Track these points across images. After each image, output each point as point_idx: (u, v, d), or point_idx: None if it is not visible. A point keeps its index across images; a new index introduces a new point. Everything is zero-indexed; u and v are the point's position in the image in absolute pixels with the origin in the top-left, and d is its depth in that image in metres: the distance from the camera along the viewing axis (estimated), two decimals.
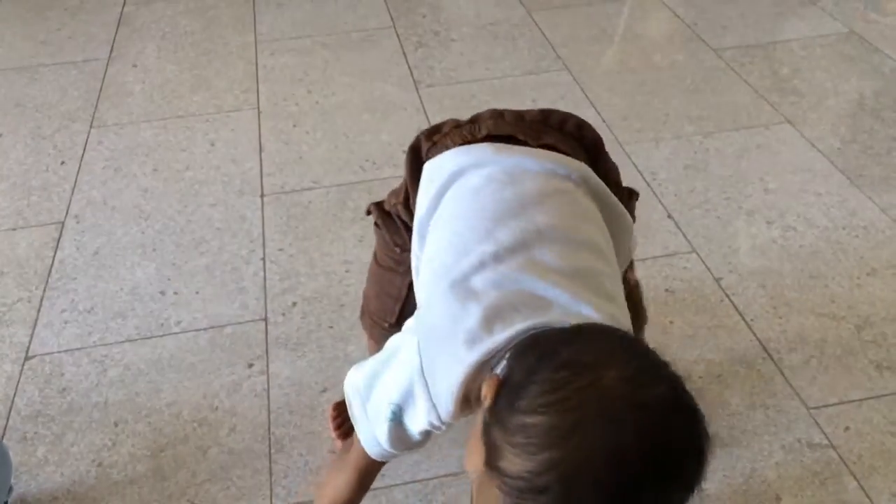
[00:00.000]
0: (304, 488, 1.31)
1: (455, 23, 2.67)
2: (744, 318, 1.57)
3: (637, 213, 1.13)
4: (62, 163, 2.07)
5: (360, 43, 2.56)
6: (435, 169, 1.00)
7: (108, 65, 2.49)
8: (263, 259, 1.75)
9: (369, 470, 1.00)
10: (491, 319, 0.81)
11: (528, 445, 0.67)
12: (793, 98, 2.22)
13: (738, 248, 1.74)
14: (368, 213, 1.16)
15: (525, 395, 0.69)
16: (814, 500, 1.27)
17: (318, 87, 2.34)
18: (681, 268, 1.69)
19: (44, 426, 1.43)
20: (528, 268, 0.85)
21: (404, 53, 2.49)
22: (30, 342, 1.59)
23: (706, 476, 0.69)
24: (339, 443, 1.33)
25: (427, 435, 0.90)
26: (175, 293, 1.68)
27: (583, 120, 1.07)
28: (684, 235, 1.77)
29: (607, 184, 1.01)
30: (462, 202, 0.95)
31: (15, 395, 1.49)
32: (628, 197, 1.09)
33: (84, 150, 2.12)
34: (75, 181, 2.01)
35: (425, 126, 2.14)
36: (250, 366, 1.52)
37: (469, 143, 1.01)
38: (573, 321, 0.78)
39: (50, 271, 1.74)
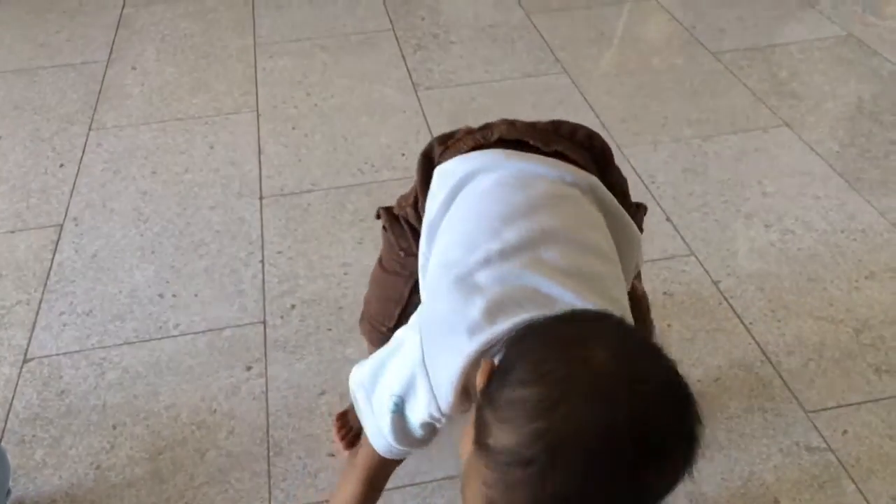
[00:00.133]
0: (304, 493, 1.31)
1: (454, 25, 2.67)
2: (742, 322, 1.57)
3: (646, 205, 1.15)
4: (61, 165, 2.07)
5: (358, 45, 2.56)
6: (446, 172, 1.01)
7: (107, 67, 2.49)
8: (262, 261, 1.75)
9: (379, 469, 1.00)
10: (493, 312, 0.81)
11: (516, 418, 0.66)
12: (791, 101, 2.22)
13: (736, 251, 1.74)
14: (378, 216, 1.17)
15: (515, 371, 0.70)
16: (812, 503, 1.27)
17: (317, 89, 2.34)
18: (679, 271, 1.69)
19: (42, 429, 1.43)
20: (533, 266, 0.86)
21: (403, 56, 2.49)
22: (28, 345, 1.59)
23: (695, 463, 0.68)
24: (345, 453, 1.33)
25: (429, 429, 0.90)
26: (174, 296, 1.68)
27: (593, 130, 1.09)
28: (682, 238, 1.77)
29: (615, 194, 1.02)
30: (472, 204, 0.97)
31: (13, 397, 1.48)
32: (636, 209, 1.10)
33: (83, 152, 2.12)
34: (74, 183, 2.01)
35: (424, 128, 2.17)
36: (249, 368, 1.52)
37: (481, 147, 1.02)
38: None
39: (48, 274, 1.74)
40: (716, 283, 1.66)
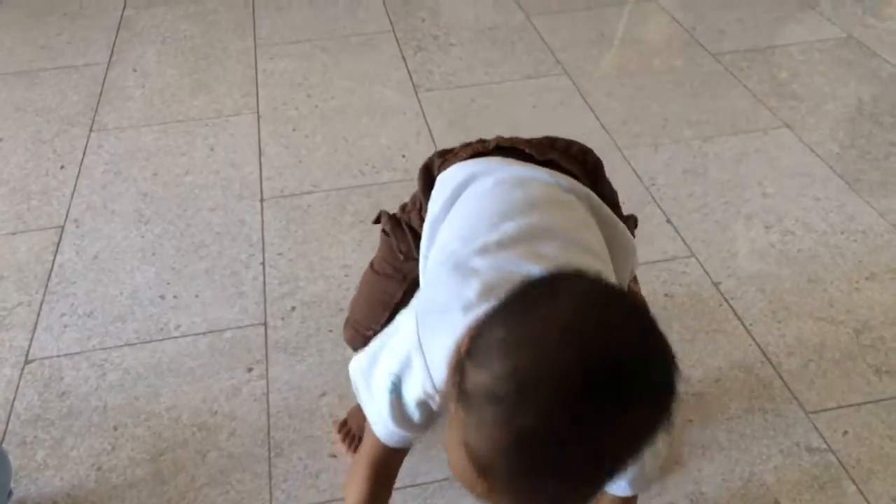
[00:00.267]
0: (305, 494, 1.31)
1: (454, 27, 2.67)
2: (742, 323, 1.57)
3: (636, 216, 1.16)
4: (62, 167, 2.08)
5: (359, 47, 2.56)
6: (447, 177, 1.05)
7: (107, 69, 2.49)
8: (263, 263, 1.75)
9: (384, 461, 1.00)
10: (488, 292, 0.83)
11: (490, 359, 0.68)
12: (791, 102, 2.22)
13: (736, 252, 1.74)
14: (377, 221, 1.20)
15: (493, 319, 0.72)
16: None
17: (318, 91, 2.35)
18: (679, 272, 1.69)
19: (43, 430, 1.43)
20: (529, 256, 0.88)
21: (403, 57, 2.49)
22: (29, 346, 1.59)
23: (671, 416, 0.68)
24: (350, 456, 1.34)
25: (426, 411, 0.91)
26: (175, 297, 1.68)
27: (586, 146, 1.13)
28: (683, 240, 1.77)
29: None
30: (472, 204, 1.00)
31: (14, 399, 1.49)
32: (625, 220, 1.12)
33: (84, 154, 2.12)
34: (75, 185, 2.01)
35: (424, 130, 2.17)
36: (250, 370, 1.52)
37: (479, 155, 1.07)
38: None
39: (49, 275, 1.75)
40: (716, 284, 1.66)
